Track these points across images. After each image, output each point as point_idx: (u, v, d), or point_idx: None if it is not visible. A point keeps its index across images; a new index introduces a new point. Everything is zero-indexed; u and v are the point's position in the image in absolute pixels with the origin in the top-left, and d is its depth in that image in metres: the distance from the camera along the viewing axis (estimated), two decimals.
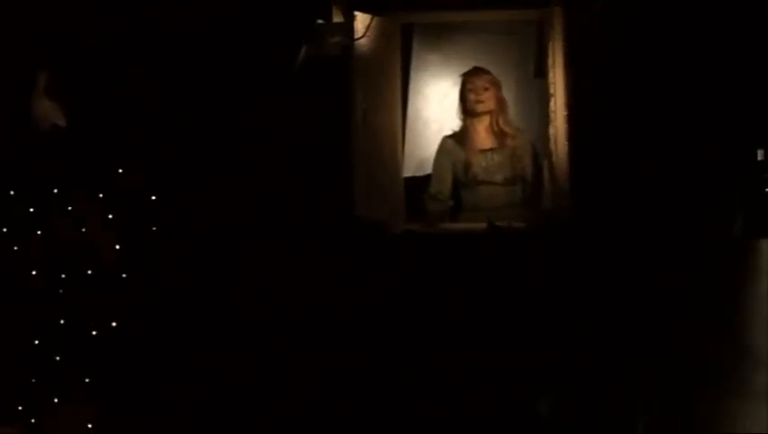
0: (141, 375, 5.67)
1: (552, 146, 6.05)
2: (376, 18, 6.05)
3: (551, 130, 6.06)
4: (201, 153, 5.85)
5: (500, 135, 6.41)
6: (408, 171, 6.65)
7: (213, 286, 5.80)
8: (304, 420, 5.71)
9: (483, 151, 6.43)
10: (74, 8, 5.75)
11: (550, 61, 6.07)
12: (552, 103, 6.03)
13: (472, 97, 6.40)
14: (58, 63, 5.70)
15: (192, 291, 5.79)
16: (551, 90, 6.03)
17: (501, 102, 6.44)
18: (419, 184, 6.61)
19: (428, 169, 6.64)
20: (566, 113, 5.95)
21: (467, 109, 6.44)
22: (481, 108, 6.40)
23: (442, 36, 6.88)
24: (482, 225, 5.94)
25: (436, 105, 6.87)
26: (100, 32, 5.78)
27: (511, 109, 6.54)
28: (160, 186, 5.77)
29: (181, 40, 5.85)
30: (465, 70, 6.58)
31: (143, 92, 5.83)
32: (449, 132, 6.57)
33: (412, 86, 6.81)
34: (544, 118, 6.20)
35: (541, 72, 6.37)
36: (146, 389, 5.68)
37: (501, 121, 6.41)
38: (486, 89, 6.39)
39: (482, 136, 6.46)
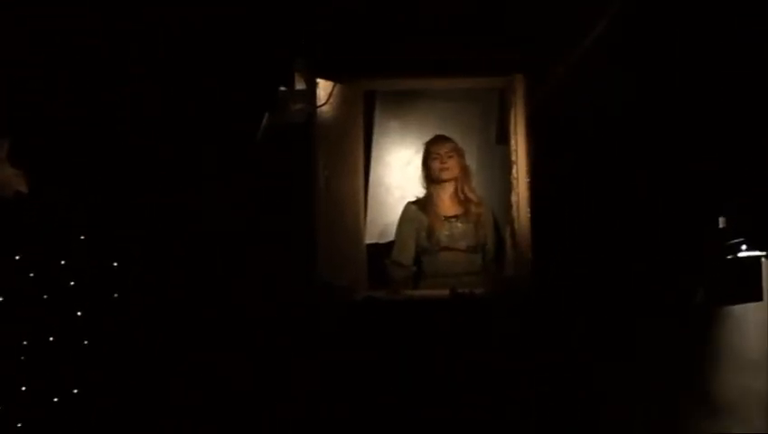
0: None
1: (514, 213, 6.06)
2: (338, 85, 6.07)
3: (513, 197, 6.06)
4: (157, 228, 5.80)
5: (464, 202, 6.44)
6: (371, 237, 6.67)
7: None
8: None
9: (447, 218, 6.44)
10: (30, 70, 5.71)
11: (512, 128, 6.09)
12: (514, 170, 6.04)
13: (436, 165, 6.43)
14: (20, 131, 5.62)
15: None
16: (513, 157, 6.05)
17: (465, 170, 6.48)
18: (382, 251, 6.61)
19: (391, 236, 6.66)
20: (528, 180, 5.97)
21: (431, 177, 6.47)
22: (445, 175, 6.43)
23: (404, 103, 6.97)
24: (445, 292, 5.90)
25: (399, 172, 6.94)
26: (61, 97, 5.76)
27: (474, 176, 6.61)
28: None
29: (145, 102, 5.82)
30: (428, 137, 6.63)
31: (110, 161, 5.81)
32: (412, 198, 6.59)
33: (374, 153, 6.88)
34: (506, 185, 6.21)
35: (503, 139, 6.39)
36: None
37: (466, 189, 6.45)
38: (450, 157, 6.44)
39: (446, 204, 6.48)
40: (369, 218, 6.67)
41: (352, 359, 5.70)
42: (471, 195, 6.44)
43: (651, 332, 5.69)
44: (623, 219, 5.81)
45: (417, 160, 6.69)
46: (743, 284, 5.57)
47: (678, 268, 5.69)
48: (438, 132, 6.63)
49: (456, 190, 6.45)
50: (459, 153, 6.47)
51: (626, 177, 5.82)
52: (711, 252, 5.61)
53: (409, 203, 6.52)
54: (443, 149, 6.43)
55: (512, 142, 6.08)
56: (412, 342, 5.75)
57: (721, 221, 5.62)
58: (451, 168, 6.42)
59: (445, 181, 6.43)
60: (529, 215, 5.97)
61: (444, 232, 6.41)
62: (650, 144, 5.80)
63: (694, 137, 5.68)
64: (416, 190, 6.62)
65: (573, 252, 5.80)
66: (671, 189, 5.77)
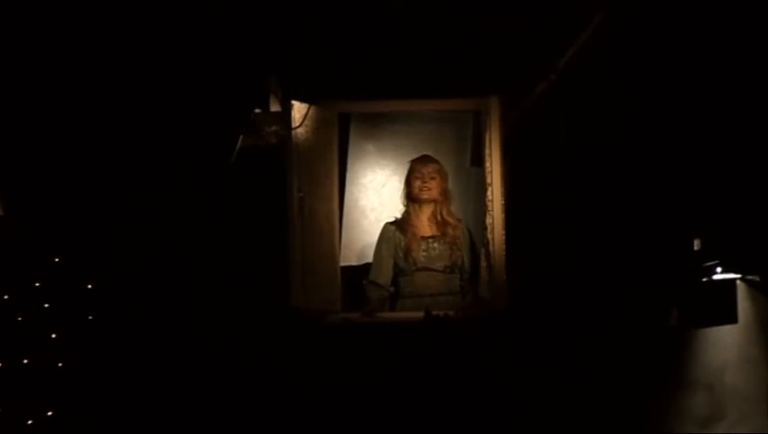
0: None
1: (489, 235, 6.03)
2: (313, 107, 6.06)
3: (488, 219, 6.05)
4: (131, 251, 5.77)
5: (442, 224, 6.41)
6: (346, 260, 6.64)
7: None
8: None
9: (425, 238, 6.42)
10: None
11: (487, 150, 6.09)
12: (489, 192, 6.04)
13: (418, 184, 6.40)
14: None
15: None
16: (488, 180, 6.05)
17: (445, 193, 6.45)
18: (357, 274, 6.61)
19: (366, 258, 6.65)
20: (503, 202, 5.98)
21: (412, 196, 6.45)
22: (426, 195, 6.40)
23: (379, 125, 6.98)
24: (419, 314, 5.89)
25: (374, 194, 6.97)
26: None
27: (453, 199, 6.55)
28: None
29: (117, 124, 5.80)
30: (403, 159, 6.67)
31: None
32: (389, 220, 6.57)
33: (349, 175, 6.89)
34: (481, 207, 6.21)
35: (478, 161, 6.42)
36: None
37: (444, 212, 6.42)
38: (432, 178, 6.40)
39: (425, 224, 6.45)
40: (343, 240, 6.65)
41: (326, 383, 5.67)
42: (448, 218, 6.42)
43: (626, 355, 5.66)
44: (599, 240, 5.81)
45: (393, 182, 6.78)
46: (718, 306, 5.61)
47: (653, 291, 5.70)
48: (414, 154, 6.63)
49: (435, 211, 6.44)
50: (442, 175, 6.44)
51: (601, 199, 5.84)
52: (686, 274, 5.67)
53: (387, 224, 6.50)
54: (426, 169, 6.41)
55: (487, 164, 6.08)
56: (387, 365, 5.71)
57: (696, 243, 5.69)
58: (432, 189, 6.40)
59: (425, 201, 6.42)
60: (503, 237, 5.97)
61: (421, 253, 6.39)
62: (626, 165, 5.82)
63: (670, 159, 5.73)
64: (391, 212, 6.61)
65: (548, 274, 5.80)
66: (647, 211, 5.79)
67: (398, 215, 6.53)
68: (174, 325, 5.70)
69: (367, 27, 5.84)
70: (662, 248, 5.75)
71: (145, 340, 5.68)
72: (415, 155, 6.60)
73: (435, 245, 6.42)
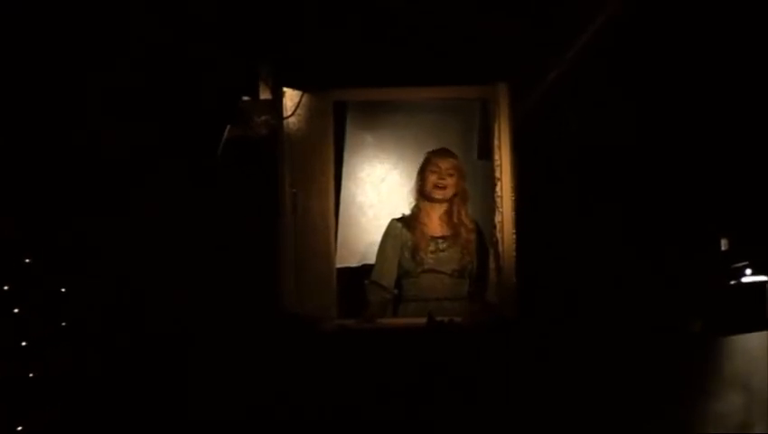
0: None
1: (498, 235, 5.91)
2: (306, 95, 5.93)
3: (497, 217, 5.92)
4: (108, 252, 5.65)
5: (455, 225, 6.27)
6: (342, 261, 6.50)
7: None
8: None
9: (434, 238, 6.28)
10: None
11: (496, 141, 5.96)
12: (498, 188, 5.91)
13: (433, 179, 6.25)
14: None
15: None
16: (497, 174, 5.93)
17: (463, 193, 6.29)
18: (354, 276, 6.52)
19: (364, 258, 6.60)
20: (513, 199, 5.86)
21: (425, 192, 6.29)
22: (440, 194, 6.25)
23: (378, 115, 6.85)
24: (422, 320, 5.70)
25: (372, 189, 6.85)
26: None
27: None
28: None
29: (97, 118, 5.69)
30: (404, 151, 6.68)
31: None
32: (386, 219, 6.43)
33: (346, 169, 6.76)
34: (489, 205, 6.07)
35: (486, 154, 6.24)
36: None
37: (462, 213, 6.27)
38: (450, 175, 6.24)
39: (435, 223, 6.32)
40: (340, 240, 6.49)
41: (321, 394, 5.48)
42: (465, 219, 6.26)
43: (647, 364, 5.50)
44: (618, 241, 5.69)
45: (393, 177, 6.73)
46: (746, 311, 5.47)
47: (676, 295, 5.55)
48: (416, 146, 6.56)
49: (450, 211, 6.28)
50: (460, 173, 6.28)
51: (620, 195, 5.73)
52: (712, 277, 5.54)
53: (394, 220, 6.36)
54: (444, 164, 6.25)
55: (496, 157, 5.95)
56: (386, 375, 5.51)
57: (723, 243, 5.57)
58: (447, 187, 6.23)
59: (439, 200, 6.26)
60: (514, 237, 5.86)
61: (428, 253, 6.22)
62: (647, 159, 5.72)
63: (696, 155, 5.63)
64: (391, 209, 6.52)
65: (562, 277, 5.68)
66: (670, 207, 5.69)
67: (399, 213, 6.41)
68: (155, 332, 5.60)
69: (365, 7, 5.74)
70: (686, 248, 5.61)
71: (122, 348, 5.58)
72: (417, 148, 6.52)
73: (445, 246, 6.27)
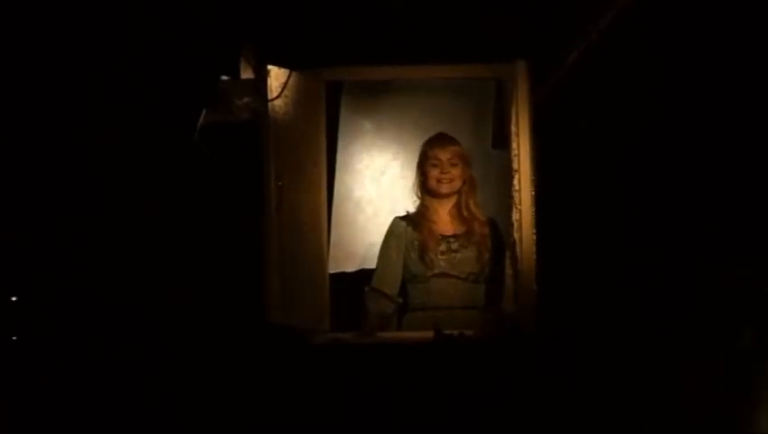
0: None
1: (516, 235, 5.66)
2: (294, 74, 5.65)
3: (515, 215, 5.68)
4: (71, 257, 5.47)
5: (468, 220, 6.00)
6: (336, 265, 6.30)
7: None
8: None
9: (445, 237, 5.99)
10: None
11: (513, 128, 5.70)
12: (516, 181, 5.66)
13: (435, 173, 5.97)
14: None
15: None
16: (515, 165, 5.68)
17: (470, 181, 6.00)
18: (350, 281, 6.29)
19: (363, 263, 6.39)
20: (533, 193, 5.61)
21: (428, 188, 6.02)
22: (446, 189, 5.97)
23: (377, 97, 6.62)
24: (428, 333, 5.43)
25: (371, 182, 6.61)
26: None
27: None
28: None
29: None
30: (406, 139, 6.45)
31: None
32: (387, 217, 6.21)
33: (340, 159, 6.53)
34: (505, 200, 5.83)
35: (502, 143, 6.00)
36: None
37: (471, 204, 5.96)
38: (454, 165, 5.93)
39: (445, 220, 6.04)
40: (333, 241, 6.27)
41: (311, 419, 5.25)
42: (476, 212, 5.98)
43: (684, 383, 5.17)
44: (649, 240, 5.42)
45: (394, 168, 6.50)
46: None
47: (716, 304, 5.19)
48: (421, 134, 6.23)
49: (459, 204, 6.00)
50: (464, 160, 5.97)
51: (653, 189, 5.47)
52: (760, 283, 5.12)
53: (397, 219, 6.11)
54: (444, 154, 5.97)
55: (513, 146, 5.69)
56: (387, 398, 5.27)
57: None
58: (453, 180, 5.94)
59: (445, 195, 5.99)
60: (534, 237, 5.60)
61: (439, 255, 5.94)
62: (683, 149, 5.46)
63: (736, 143, 5.37)
64: (392, 204, 6.33)
65: (588, 284, 5.44)
66: (712, 203, 5.39)
67: (402, 210, 6.16)
68: (129, 344, 5.39)
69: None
70: (732, 251, 5.25)
71: (95, 358, 5.38)
72: (422, 135, 6.22)
73: (458, 246, 5.97)
